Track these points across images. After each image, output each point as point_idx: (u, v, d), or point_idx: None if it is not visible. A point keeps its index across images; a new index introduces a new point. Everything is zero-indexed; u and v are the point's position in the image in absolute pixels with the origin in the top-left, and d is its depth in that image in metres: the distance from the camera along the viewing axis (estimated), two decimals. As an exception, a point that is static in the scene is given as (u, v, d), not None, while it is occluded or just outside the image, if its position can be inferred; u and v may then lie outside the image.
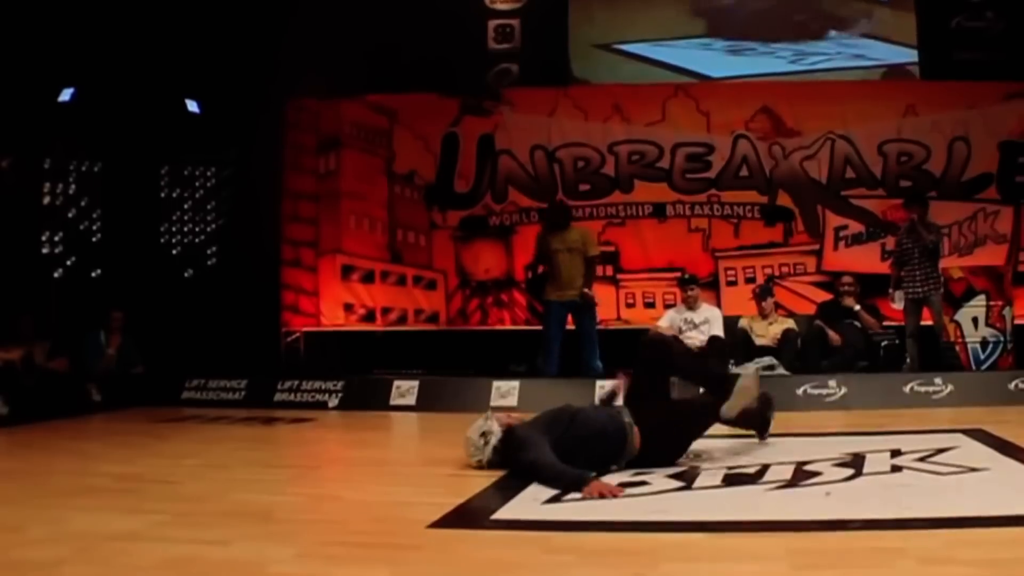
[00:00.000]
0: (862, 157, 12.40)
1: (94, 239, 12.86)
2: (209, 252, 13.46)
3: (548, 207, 11.84)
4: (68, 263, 12.65)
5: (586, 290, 10.44)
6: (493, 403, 9.78)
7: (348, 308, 13.22)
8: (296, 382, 10.75)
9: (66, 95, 12.38)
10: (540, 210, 12.61)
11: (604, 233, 12.67)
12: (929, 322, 10.39)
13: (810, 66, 12.84)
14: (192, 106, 13.11)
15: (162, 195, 13.37)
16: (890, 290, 10.54)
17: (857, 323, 10.69)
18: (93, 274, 12.80)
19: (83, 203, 12.81)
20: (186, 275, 13.38)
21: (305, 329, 13.34)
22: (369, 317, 13.20)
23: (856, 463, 5.51)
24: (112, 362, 11.39)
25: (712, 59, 13.04)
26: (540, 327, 11.27)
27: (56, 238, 12.60)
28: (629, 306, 12.66)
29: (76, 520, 4.60)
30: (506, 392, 9.85)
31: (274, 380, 10.91)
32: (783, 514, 4.32)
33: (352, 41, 12.39)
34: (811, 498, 4.70)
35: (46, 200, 12.57)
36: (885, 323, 10.90)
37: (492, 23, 13.28)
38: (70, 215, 12.71)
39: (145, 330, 11.85)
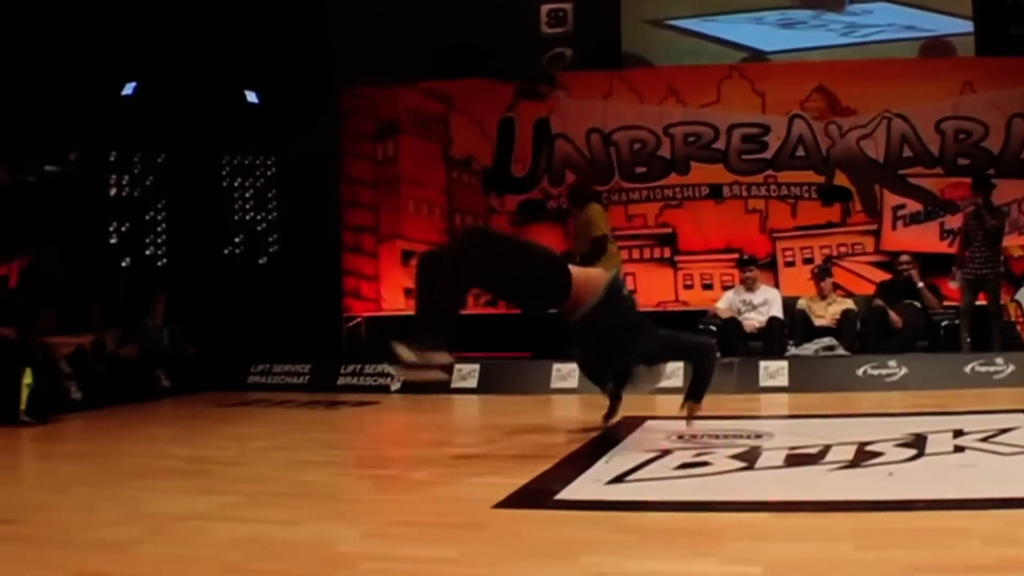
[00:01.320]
0: (919, 135, 12.26)
1: (159, 228, 13.06)
2: (271, 240, 13.59)
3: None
4: (135, 253, 12.85)
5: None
6: (553, 385, 9.87)
7: (408, 293, 13.20)
8: (358, 366, 10.88)
9: (129, 89, 12.57)
10: (597, 193, 12.63)
11: (661, 215, 12.70)
12: (984, 303, 10.34)
13: (862, 38, 12.71)
14: (251, 96, 13.25)
15: (224, 184, 13.53)
16: (953, 268, 10.48)
17: (917, 303, 10.59)
18: (159, 264, 13.00)
19: (148, 194, 13.00)
20: (260, 262, 13.54)
21: (366, 314, 13.48)
22: (429, 302, 13.22)
23: (918, 443, 5.48)
24: (164, 342, 11.53)
25: (764, 33, 12.96)
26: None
27: (123, 228, 12.81)
28: (687, 288, 12.64)
29: (149, 501, 4.69)
30: (566, 374, 9.87)
31: (337, 364, 11.05)
32: (846, 494, 4.30)
33: (407, 28, 12.40)
34: (874, 478, 4.68)
35: (112, 192, 12.78)
36: (945, 303, 10.81)
37: (545, 7, 13.28)
38: (135, 206, 12.91)
39: (211, 317, 12.04)
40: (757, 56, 12.94)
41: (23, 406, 8.29)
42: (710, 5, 13.08)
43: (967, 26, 12.38)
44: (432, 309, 5.71)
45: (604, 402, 6.95)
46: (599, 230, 10.12)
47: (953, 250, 10.96)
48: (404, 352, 5.45)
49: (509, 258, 5.84)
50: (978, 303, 10.40)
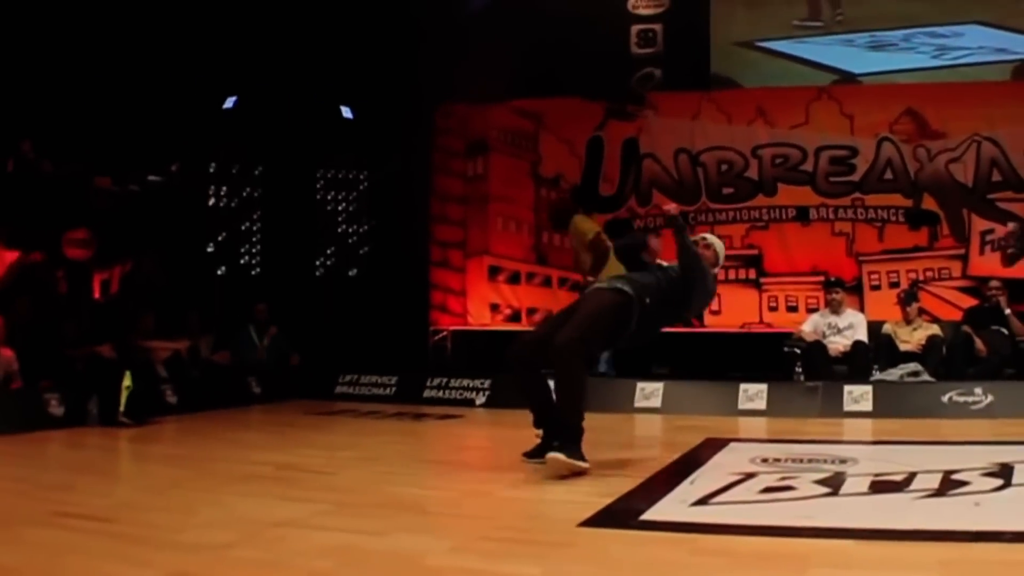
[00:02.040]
0: (1009, 159, 12.11)
1: (254, 239, 13.33)
2: (361, 252, 13.80)
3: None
4: (230, 262, 13.13)
5: (589, 278, 9.96)
6: (637, 404, 9.88)
7: (494, 308, 13.44)
8: (444, 379, 11.02)
9: (229, 103, 12.87)
10: (683, 213, 12.66)
11: (748, 237, 12.69)
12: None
13: (952, 60, 12.60)
14: (346, 112, 13.48)
15: (317, 197, 13.78)
16: None
17: (1004, 330, 10.46)
18: (253, 273, 13.27)
19: (244, 205, 13.28)
20: (350, 274, 13.75)
21: (453, 328, 13.63)
22: (515, 317, 13.40)
23: (1005, 473, 5.40)
24: (263, 354, 11.83)
25: (854, 55, 12.91)
26: (685, 330, 11.36)
27: (219, 238, 13.10)
28: (772, 310, 12.60)
29: (241, 506, 4.83)
30: (650, 393, 9.93)
31: (423, 377, 11.20)
32: (932, 523, 4.25)
33: (499, 47, 12.58)
34: (960, 507, 4.64)
35: (210, 202, 13.08)
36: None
37: (635, 28, 13.36)
38: (232, 216, 13.20)
39: (300, 327, 12.27)
40: (847, 78, 12.86)
41: (122, 407, 8.56)
42: (800, 27, 13.03)
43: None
44: (578, 418, 5.87)
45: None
46: (591, 233, 10.09)
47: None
48: (560, 464, 5.61)
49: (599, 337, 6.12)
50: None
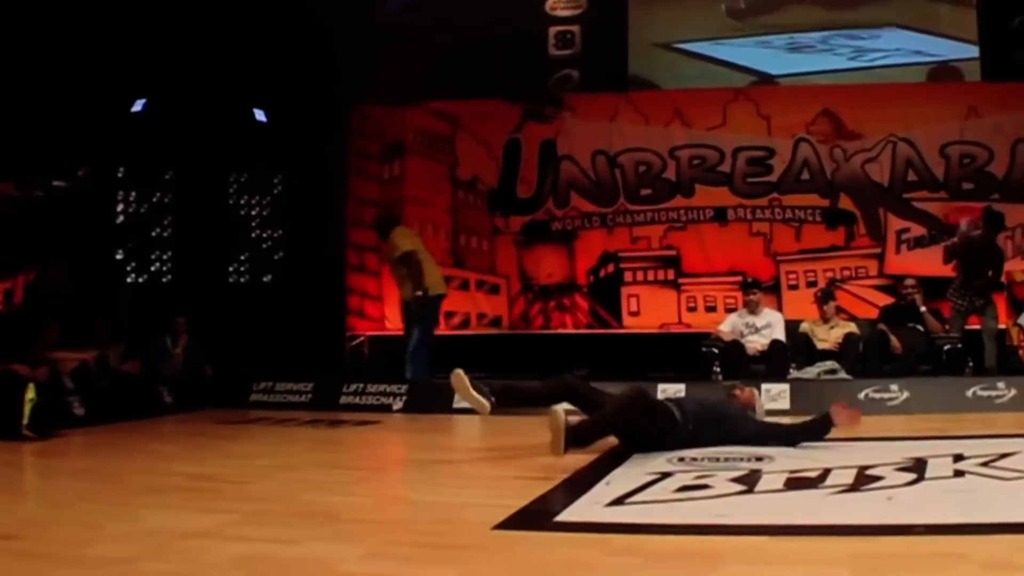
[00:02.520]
0: (924, 159, 12.32)
1: (166, 246, 13.10)
2: (276, 258, 13.64)
3: None
4: (140, 269, 12.89)
5: (417, 293, 10.54)
6: (557, 406, 9.82)
7: (411, 312, 13.33)
8: (361, 385, 10.85)
9: (138, 105, 12.63)
10: (601, 215, 12.71)
11: (665, 238, 12.75)
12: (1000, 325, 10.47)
13: (869, 62, 12.77)
14: (260, 115, 13.31)
15: (230, 202, 13.58)
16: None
17: (920, 327, 10.61)
18: (164, 280, 13.04)
19: (154, 211, 13.06)
20: (264, 280, 13.61)
21: (370, 333, 13.49)
22: (433, 321, 13.29)
23: (918, 468, 5.45)
24: (179, 364, 11.62)
25: (772, 57, 13.03)
26: (603, 331, 11.38)
27: (129, 245, 12.86)
28: (691, 310, 12.67)
29: (151, 518, 4.67)
30: (568, 395, 9.88)
31: (339, 383, 11.02)
32: (845, 519, 4.28)
33: (415, 49, 12.49)
34: (873, 503, 4.66)
35: (119, 208, 12.83)
36: (948, 326, 10.84)
37: (553, 30, 13.35)
38: (142, 223, 12.96)
39: (213, 334, 12.06)
40: (765, 80, 12.98)
41: (25, 420, 8.29)
42: (718, 29, 13.11)
43: (973, 51, 12.41)
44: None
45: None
46: (403, 248, 10.44)
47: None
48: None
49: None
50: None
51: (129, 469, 6.60)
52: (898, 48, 12.73)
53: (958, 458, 5.75)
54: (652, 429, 6.45)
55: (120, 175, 12.91)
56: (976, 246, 10.49)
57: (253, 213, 13.65)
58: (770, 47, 13.05)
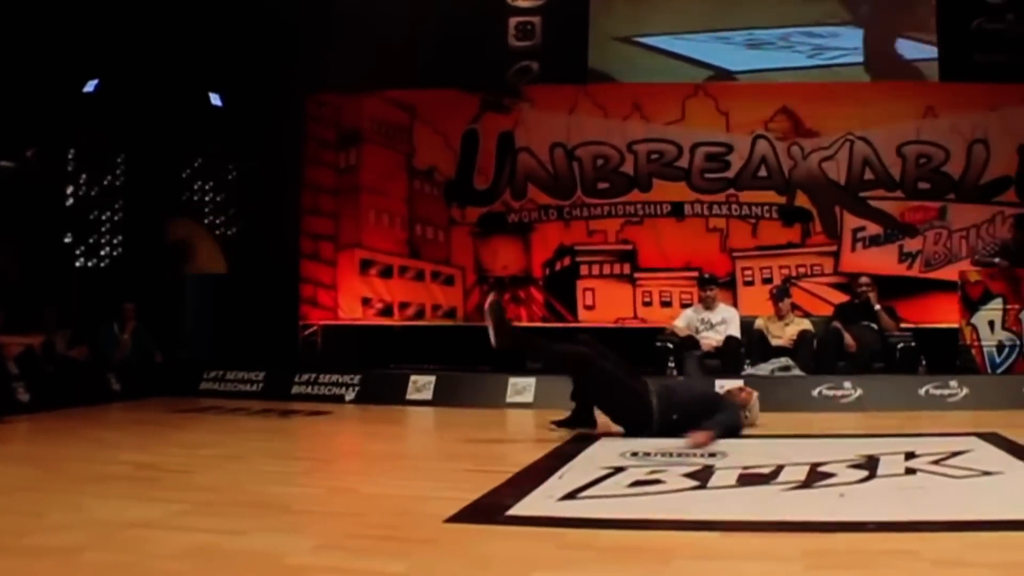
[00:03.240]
0: (881, 159, 12.36)
1: (117, 230, 12.93)
2: (229, 242, 13.50)
3: None
4: (90, 253, 12.72)
5: None
6: (509, 399, 9.83)
7: (366, 302, 13.24)
8: (313, 375, 10.77)
9: (90, 86, 12.46)
10: (558, 207, 12.69)
11: (622, 232, 12.72)
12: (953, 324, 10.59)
13: (828, 60, 12.78)
14: (215, 99, 13.18)
15: (183, 187, 13.42)
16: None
17: (874, 325, 10.66)
18: (111, 264, 12.87)
19: (105, 194, 12.88)
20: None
21: (323, 323, 13.37)
22: (387, 312, 13.23)
23: (870, 465, 5.49)
24: (127, 350, 11.47)
25: (731, 53, 12.99)
26: (558, 324, 11.40)
27: (78, 228, 12.68)
28: (646, 305, 12.65)
29: (95, 507, 4.62)
30: (522, 388, 9.88)
31: (291, 373, 10.93)
32: (797, 515, 4.31)
33: (374, 36, 12.40)
34: (825, 499, 4.69)
35: (69, 190, 12.65)
36: (902, 325, 10.92)
37: (513, 20, 13.26)
38: (93, 206, 12.79)
39: (164, 321, 11.93)
40: (723, 75, 12.98)
41: (-33, 406, 8.18)
42: (680, 23, 13.10)
43: (932, 51, 12.49)
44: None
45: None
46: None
47: (913, 272, 11.09)
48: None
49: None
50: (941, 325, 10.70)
51: (74, 457, 6.52)
52: (856, 47, 12.76)
53: (910, 456, 5.78)
54: (623, 410, 6.94)
55: (70, 157, 12.70)
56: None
57: (207, 199, 13.49)
58: (730, 43, 13.04)
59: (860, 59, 12.71)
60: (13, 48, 11.23)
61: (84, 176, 12.76)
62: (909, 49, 12.62)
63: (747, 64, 12.97)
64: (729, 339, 10.46)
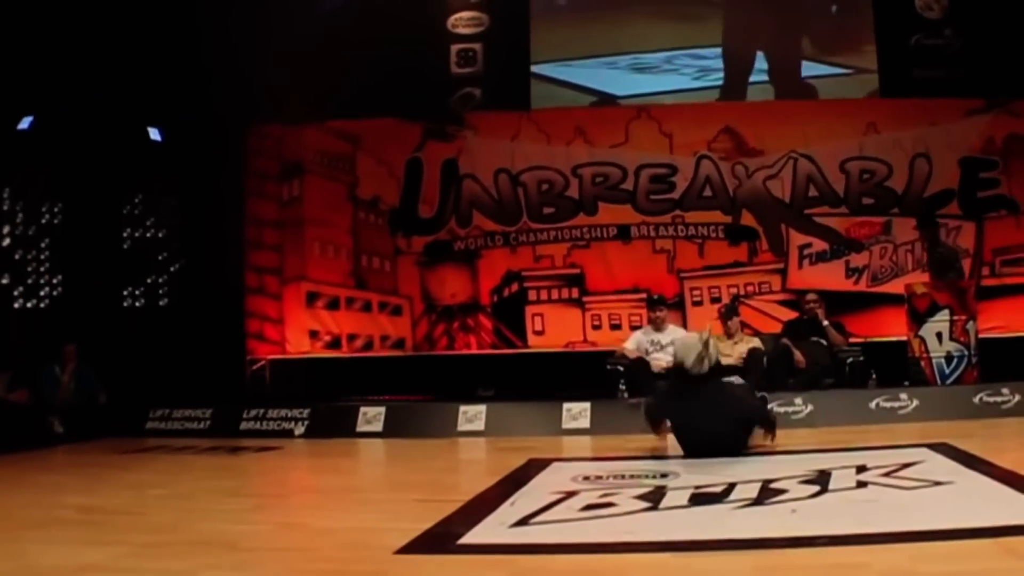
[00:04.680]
0: (824, 175, 12.46)
1: (55, 269, 12.76)
2: (172, 281, 13.37)
3: None
4: (28, 294, 12.54)
5: None
6: (460, 427, 9.78)
7: (314, 335, 13.12)
8: (262, 411, 10.67)
9: (25, 123, 12.31)
10: (505, 234, 12.68)
11: (569, 256, 12.71)
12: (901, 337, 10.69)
13: (714, 82, 12.91)
14: (154, 134, 13.07)
15: (123, 223, 13.28)
16: None
17: (823, 340, 10.74)
18: (50, 305, 12.69)
19: (43, 232, 12.72)
20: (160, 304, 13.32)
21: (270, 357, 13.21)
22: (335, 344, 13.10)
23: (822, 480, 5.54)
24: (69, 393, 11.26)
25: (617, 78, 13.08)
26: (508, 351, 11.39)
27: (16, 268, 12.49)
28: (595, 328, 12.63)
29: (39, 554, 4.57)
30: (473, 416, 9.83)
31: (239, 409, 10.82)
32: (750, 532, 4.33)
33: (314, 66, 12.31)
34: (777, 516, 4.72)
35: (5, 230, 12.47)
36: (851, 340, 11.00)
37: (455, 47, 13.27)
38: (30, 245, 12.61)
39: (108, 360, 11.75)
40: (607, 100, 13.09)
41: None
42: (567, 50, 13.22)
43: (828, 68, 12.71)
44: None
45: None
46: None
47: (860, 287, 11.18)
48: None
49: None
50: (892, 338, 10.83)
51: (15, 503, 6.41)
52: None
53: (861, 469, 5.86)
54: None
55: (5, 195, 12.51)
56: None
57: (148, 235, 13.35)
58: (615, 68, 13.11)
59: (753, 79, 12.87)
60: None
61: (20, 215, 12.57)
62: (808, 67, 12.85)
63: (632, 88, 13.05)
64: (679, 360, 10.46)
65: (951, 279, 10.73)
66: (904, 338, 10.82)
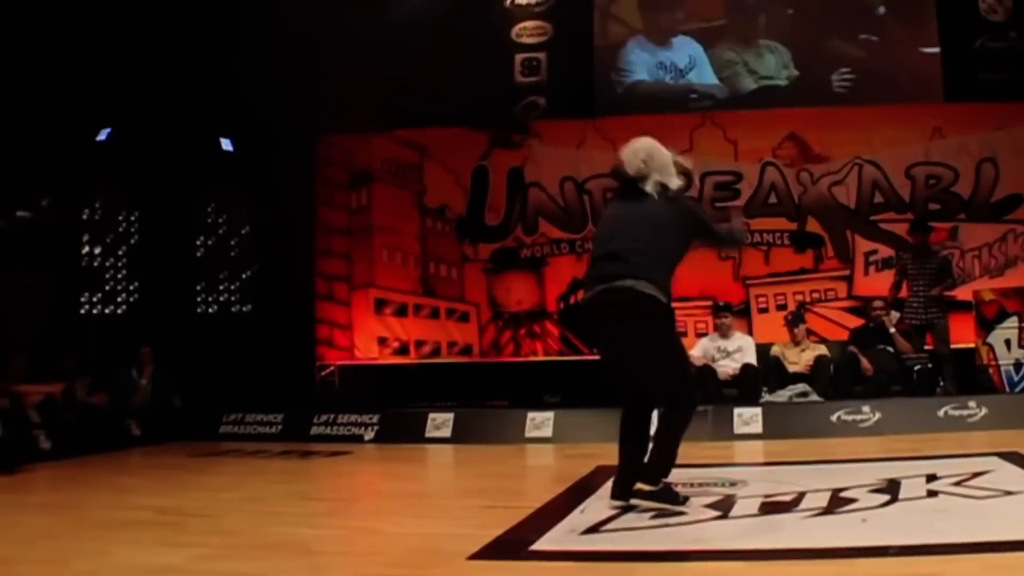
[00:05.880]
0: (890, 181, 12.38)
1: (132, 276, 12.99)
2: (245, 287, 13.55)
3: None
4: (107, 300, 12.77)
5: None
6: (528, 434, 9.80)
7: (382, 342, 13.26)
8: (332, 416, 10.79)
9: (103, 135, 12.56)
10: (570, 241, 12.71)
11: (635, 263, 12.70)
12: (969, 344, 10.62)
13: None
14: (226, 144, 13.27)
15: (197, 231, 13.50)
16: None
17: (890, 348, 10.65)
18: (128, 309, 12.92)
19: (121, 240, 12.97)
20: (233, 310, 13.53)
21: (340, 363, 13.39)
22: (403, 350, 13.24)
23: (892, 489, 5.49)
24: (146, 395, 11.47)
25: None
26: (574, 357, 11.36)
27: (95, 275, 12.74)
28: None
29: (119, 554, 4.64)
30: (541, 423, 9.84)
31: (310, 414, 10.95)
32: (820, 541, 4.30)
33: (382, 76, 12.45)
34: (848, 525, 4.67)
35: (85, 238, 12.74)
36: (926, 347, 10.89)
37: (519, 57, 13.36)
38: (108, 254, 12.86)
39: (182, 365, 11.95)
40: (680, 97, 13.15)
41: (-10, 455, 8.20)
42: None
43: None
44: None
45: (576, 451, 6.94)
46: None
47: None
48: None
49: None
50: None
51: (96, 503, 6.53)
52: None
53: (931, 478, 5.78)
54: None
55: (85, 204, 12.79)
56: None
57: (220, 243, 13.56)
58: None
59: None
60: (27, 100, 11.35)
61: (100, 223, 12.83)
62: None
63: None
64: (746, 367, 10.45)
65: (948, 284, 10.69)
66: (972, 345, 10.73)
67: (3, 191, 11.41)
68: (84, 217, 12.84)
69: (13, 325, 10.94)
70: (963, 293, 11.55)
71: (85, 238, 12.77)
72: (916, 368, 10.42)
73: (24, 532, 5.55)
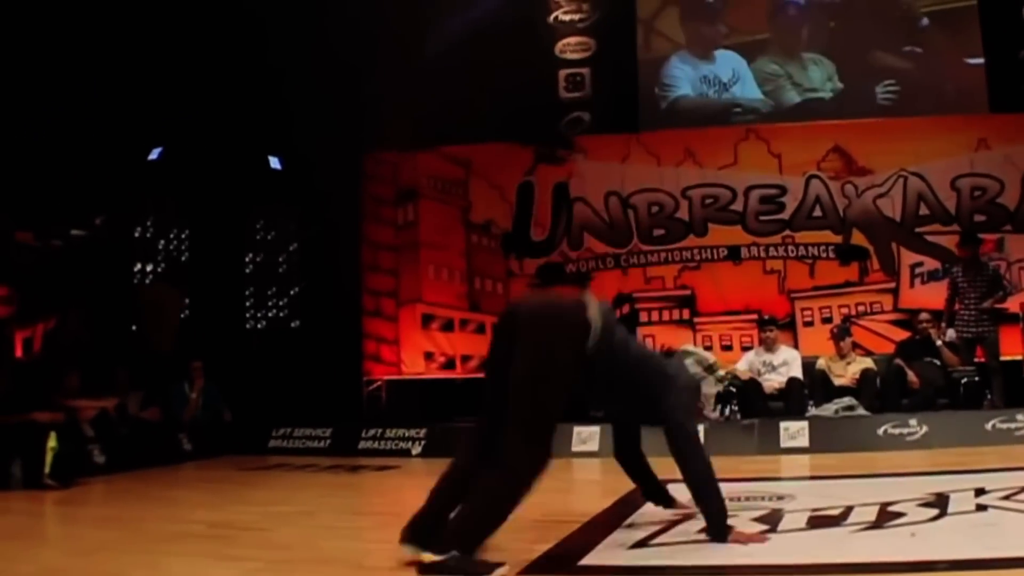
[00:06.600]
0: (935, 193, 12.30)
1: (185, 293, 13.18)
2: (293, 303, 13.68)
3: None
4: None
5: None
6: (575, 448, 9.80)
7: (429, 356, 13.33)
8: (380, 430, 10.88)
9: (154, 154, 12.76)
10: (615, 256, 12.74)
11: (680, 277, 12.74)
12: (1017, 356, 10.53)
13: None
14: (274, 162, 13.42)
15: (246, 248, 13.66)
16: (943, 325, 10.75)
17: (937, 361, 10.59)
18: (181, 323, 13.08)
19: (172, 257, 13.15)
20: (281, 326, 13.64)
21: (387, 377, 13.48)
22: (449, 365, 13.32)
23: (940, 503, 5.46)
24: (197, 410, 11.59)
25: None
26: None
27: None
28: (707, 349, 12.55)
29: (173, 567, 4.72)
30: (587, 438, 9.81)
31: (358, 428, 11.05)
32: (869, 556, 4.29)
33: (427, 93, 12.56)
34: (896, 539, 4.66)
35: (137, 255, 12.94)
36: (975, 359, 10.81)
37: (563, 72, 13.43)
38: (160, 269, 13.04)
39: (232, 380, 12.08)
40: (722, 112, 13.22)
41: (47, 469, 8.32)
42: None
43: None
44: None
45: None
46: None
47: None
48: None
49: None
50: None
51: (150, 517, 6.60)
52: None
53: (980, 492, 5.75)
54: None
55: (137, 223, 12.99)
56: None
57: (269, 259, 13.70)
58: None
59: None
60: (80, 121, 11.54)
61: (152, 241, 13.03)
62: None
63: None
64: (792, 380, 10.43)
65: (1000, 296, 10.58)
66: (1020, 357, 10.64)
67: (58, 210, 11.60)
68: (136, 235, 13.01)
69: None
70: (1010, 305, 11.45)
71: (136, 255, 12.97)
72: (963, 381, 10.35)
73: (81, 545, 5.65)
